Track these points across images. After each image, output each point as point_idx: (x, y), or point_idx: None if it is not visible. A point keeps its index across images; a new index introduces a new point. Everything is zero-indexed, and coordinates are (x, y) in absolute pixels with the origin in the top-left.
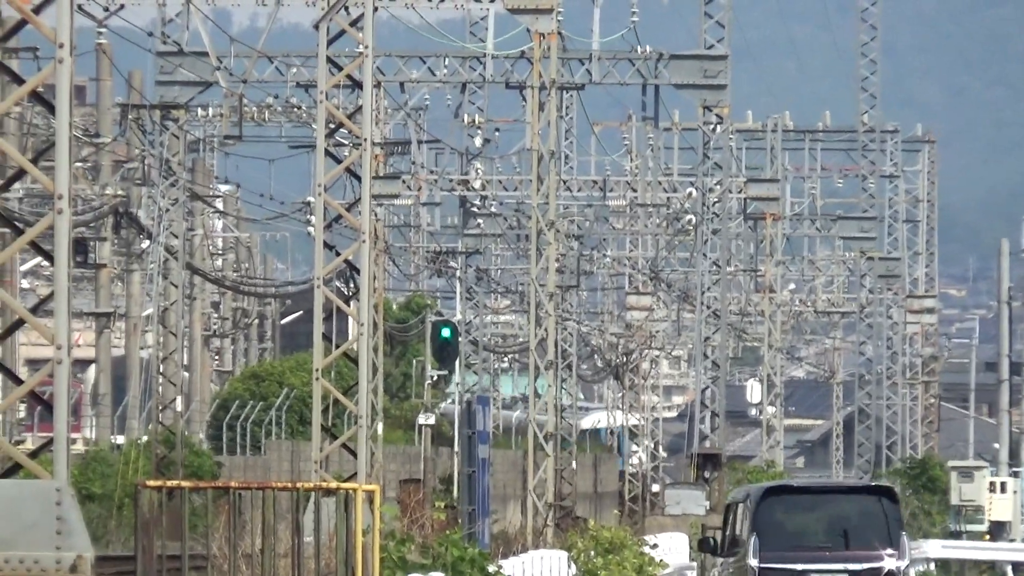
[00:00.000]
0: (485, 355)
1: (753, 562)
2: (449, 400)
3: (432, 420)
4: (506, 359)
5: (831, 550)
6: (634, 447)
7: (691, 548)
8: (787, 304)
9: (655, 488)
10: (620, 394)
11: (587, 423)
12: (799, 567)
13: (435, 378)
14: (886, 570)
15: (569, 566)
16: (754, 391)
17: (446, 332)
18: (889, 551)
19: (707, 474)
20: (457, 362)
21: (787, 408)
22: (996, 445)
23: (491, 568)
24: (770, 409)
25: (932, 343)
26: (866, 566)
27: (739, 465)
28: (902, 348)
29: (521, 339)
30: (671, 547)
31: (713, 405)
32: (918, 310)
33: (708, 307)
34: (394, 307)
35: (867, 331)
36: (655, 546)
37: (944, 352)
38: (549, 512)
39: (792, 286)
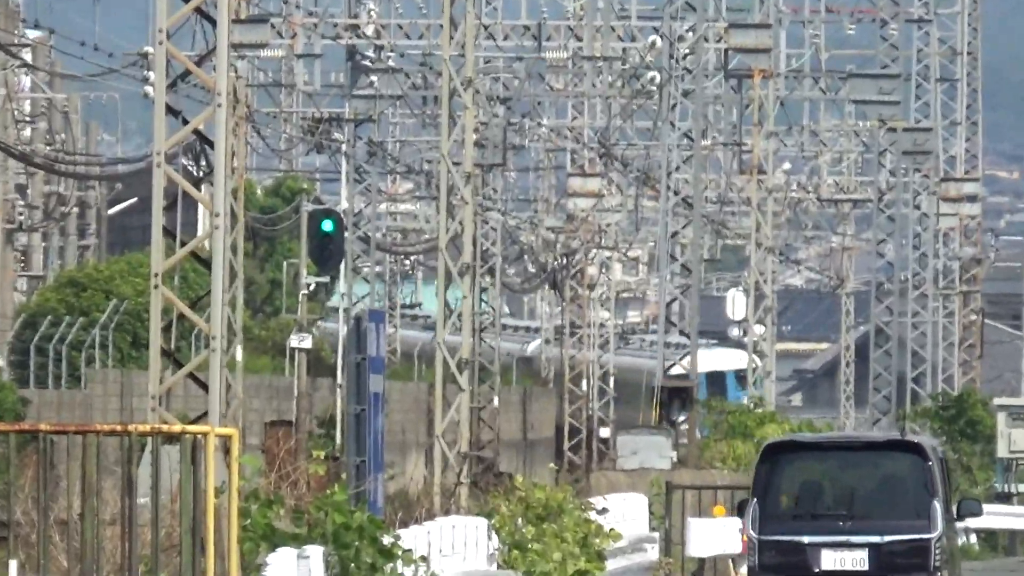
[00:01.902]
0: (380, 256)
1: (752, 533)
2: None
3: (308, 343)
4: (408, 261)
5: (846, 519)
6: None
7: (652, 515)
8: (781, 189)
9: (604, 434)
10: (558, 308)
11: (708, 363)
12: (806, 539)
13: (312, 287)
14: (913, 543)
15: (489, 537)
16: (737, 304)
17: (328, 225)
18: (917, 521)
19: (674, 415)
20: (342, 265)
21: (781, 327)
22: None
23: (386, 539)
24: (758, 328)
25: (974, 241)
26: (888, 539)
27: (716, 403)
28: (934, 248)
29: (428, 235)
30: (625, 513)
31: (682, 323)
32: (955, 198)
33: (676, 193)
34: (259, 192)
35: (887, 225)
36: (604, 511)
37: (990, 254)
38: (463, 466)
39: (788, 165)
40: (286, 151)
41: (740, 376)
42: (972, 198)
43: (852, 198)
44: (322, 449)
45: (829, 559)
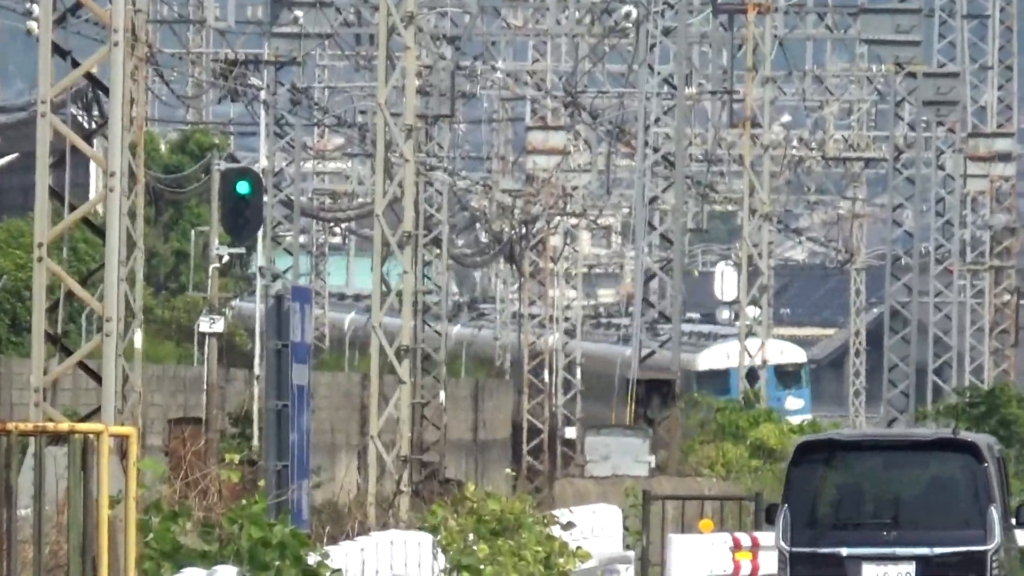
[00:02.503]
0: (305, 224)
1: (783, 544)
2: (248, 294)
3: (220, 326)
4: (338, 230)
5: (890, 529)
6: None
7: (626, 530)
8: (780, 146)
9: (569, 434)
10: (515, 285)
11: (710, 360)
12: (845, 551)
13: (225, 259)
14: (967, 556)
15: (435, 556)
16: (726, 282)
17: (243, 187)
18: (971, 530)
19: (652, 412)
20: (260, 234)
21: (779, 310)
22: None
23: (312, 558)
24: (751, 311)
25: (1008, 207)
26: (939, 550)
27: (703, 398)
28: (960, 215)
29: (361, 199)
30: (595, 528)
31: (663, 303)
32: (986, 156)
33: (655, 150)
34: (163, 148)
35: (905, 189)
36: (570, 526)
37: None
38: (403, 471)
39: (787, 118)
40: (194, 99)
41: (784, 372)
42: (1005, 156)
43: (863, 156)
44: (236, 452)
45: (871, 574)
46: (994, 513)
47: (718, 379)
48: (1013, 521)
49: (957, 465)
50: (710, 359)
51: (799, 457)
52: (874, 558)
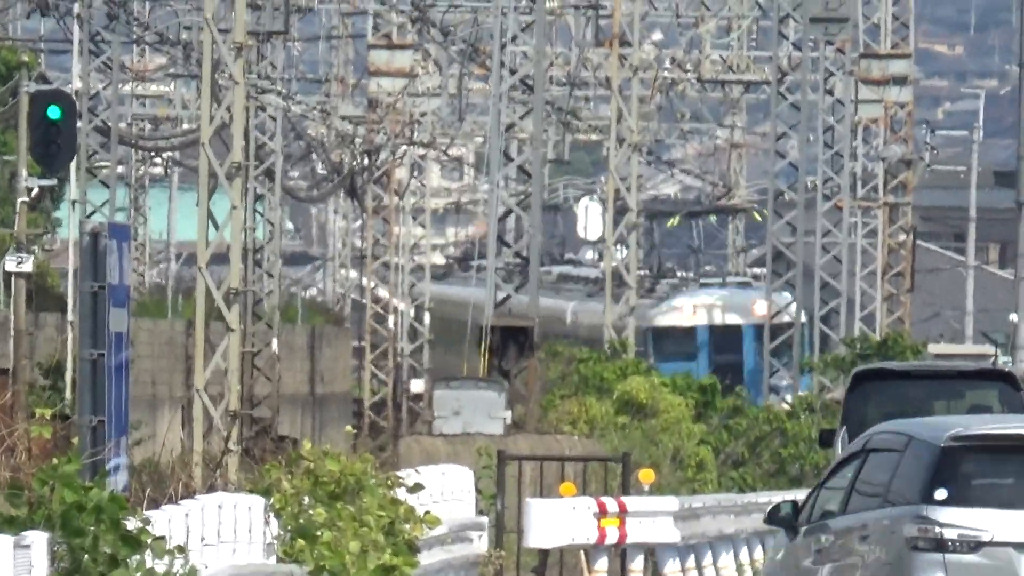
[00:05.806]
0: (124, 153)
1: None
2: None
3: (29, 266)
4: (160, 160)
5: None
6: None
7: (479, 494)
8: (651, 67)
9: (416, 387)
10: (357, 222)
11: (671, 315)
12: None
13: (35, 192)
14: None
15: (267, 521)
16: (591, 219)
17: (55, 112)
18: None
19: (507, 363)
20: (74, 164)
21: (649, 251)
22: (1013, 316)
23: (131, 524)
24: (619, 251)
25: (903, 137)
26: None
27: (564, 347)
28: (851, 146)
29: (187, 125)
30: (444, 491)
31: (519, 243)
32: (879, 80)
33: (512, 72)
34: None
35: (790, 116)
36: (417, 488)
37: (924, 154)
38: (232, 428)
39: (659, 36)
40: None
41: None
42: (901, 80)
43: (743, 79)
44: (47, 406)
45: None
46: None
47: (681, 339)
48: None
49: (995, 392)
50: (671, 314)
51: (855, 384)
52: None
